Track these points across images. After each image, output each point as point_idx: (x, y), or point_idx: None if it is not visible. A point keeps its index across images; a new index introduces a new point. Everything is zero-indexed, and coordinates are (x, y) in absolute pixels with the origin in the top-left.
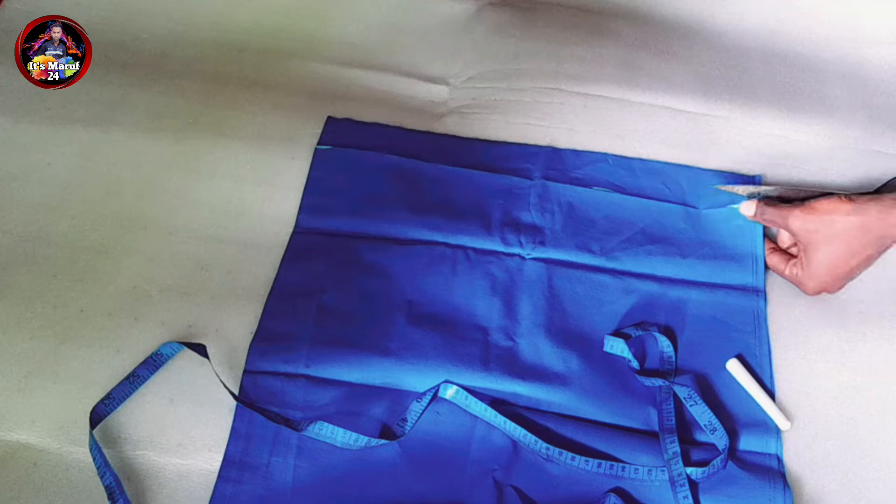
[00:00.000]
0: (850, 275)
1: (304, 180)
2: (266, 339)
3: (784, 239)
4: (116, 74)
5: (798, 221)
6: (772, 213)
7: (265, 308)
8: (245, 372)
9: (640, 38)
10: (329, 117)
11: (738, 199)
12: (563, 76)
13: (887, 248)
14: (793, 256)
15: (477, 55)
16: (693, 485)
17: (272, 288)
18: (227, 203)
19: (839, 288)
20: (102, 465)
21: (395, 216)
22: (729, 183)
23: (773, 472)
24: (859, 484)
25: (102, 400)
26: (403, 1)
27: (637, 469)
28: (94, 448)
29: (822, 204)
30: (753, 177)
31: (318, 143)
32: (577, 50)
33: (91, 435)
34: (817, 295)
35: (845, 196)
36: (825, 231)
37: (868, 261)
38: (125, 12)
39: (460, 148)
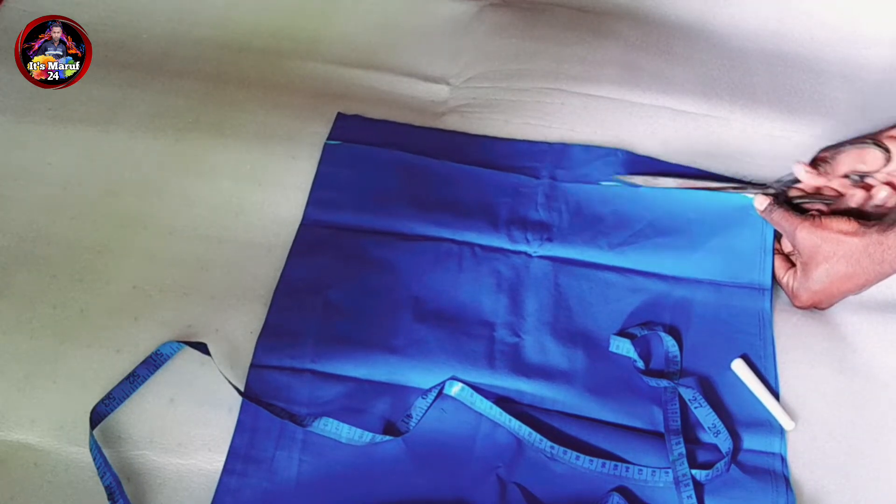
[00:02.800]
0: (843, 296)
1: (305, 179)
2: (272, 333)
3: (786, 245)
4: (116, 74)
5: (804, 233)
6: (779, 217)
7: (272, 303)
8: (251, 366)
9: (641, 39)
10: (339, 113)
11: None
12: (564, 77)
13: (887, 275)
14: (792, 264)
15: (477, 55)
16: (697, 486)
17: (278, 283)
18: (228, 203)
19: (828, 306)
20: (102, 465)
21: (403, 212)
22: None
23: (777, 475)
24: (858, 484)
25: (102, 400)
26: (404, 1)
27: (641, 470)
28: (94, 448)
29: (833, 222)
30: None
31: (328, 139)
32: (578, 50)
33: (91, 435)
34: (806, 309)
35: (855, 219)
36: (828, 248)
37: (864, 286)
38: (125, 12)
39: (469, 146)
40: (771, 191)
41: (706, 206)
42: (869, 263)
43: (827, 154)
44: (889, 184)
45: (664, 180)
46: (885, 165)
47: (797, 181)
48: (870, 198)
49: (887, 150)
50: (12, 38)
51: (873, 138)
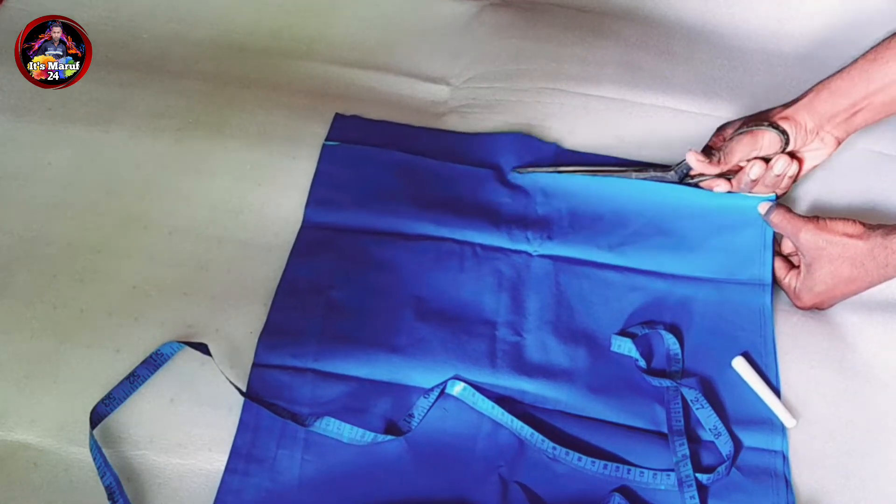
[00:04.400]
0: (845, 297)
1: (304, 179)
2: (274, 333)
3: (786, 246)
4: (116, 74)
5: (808, 235)
6: (781, 219)
7: (273, 302)
8: (253, 366)
9: (641, 39)
10: (337, 114)
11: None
12: (564, 77)
13: (890, 278)
14: (792, 265)
15: (478, 56)
16: (701, 487)
17: (280, 282)
18: (228, 202)
19: (829, 306)
20: (102, 465)
21: (403, 211)
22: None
23: (777, 475)
24: (858, 484)
25: (102, 400)
26: (404, 1)
27: (643, 472)
28: (94, 448)
29: (837, 224)
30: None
31: (326, 140)
32: (578, 50)
33: (91, 435)
34: (807, 310)
35: (859, 221)
36: (832, 251)
37: (866, 288)
38: (125, 12)
39: (468, 145)
40: (672, 173)
41: (705, 205)
42: (873, 266)
43: (719, 139)
44: (789, 153)
45: (565, 169)
46: (783, 148)
47: None
48: (769, 168)
49: (784, 133)
50: (12, 38)
51: (769, 120)
